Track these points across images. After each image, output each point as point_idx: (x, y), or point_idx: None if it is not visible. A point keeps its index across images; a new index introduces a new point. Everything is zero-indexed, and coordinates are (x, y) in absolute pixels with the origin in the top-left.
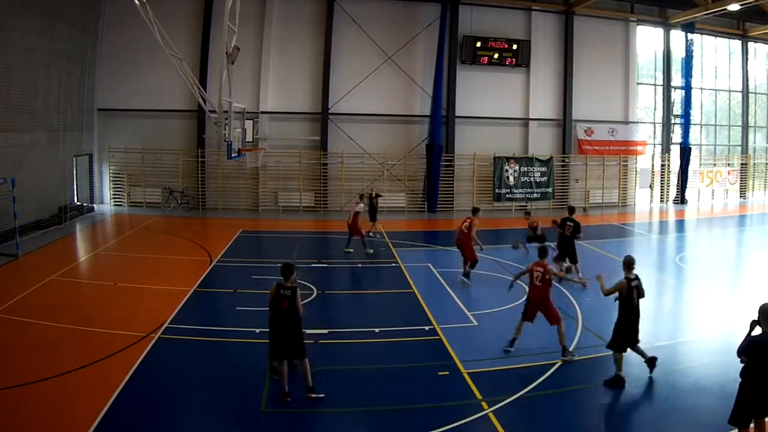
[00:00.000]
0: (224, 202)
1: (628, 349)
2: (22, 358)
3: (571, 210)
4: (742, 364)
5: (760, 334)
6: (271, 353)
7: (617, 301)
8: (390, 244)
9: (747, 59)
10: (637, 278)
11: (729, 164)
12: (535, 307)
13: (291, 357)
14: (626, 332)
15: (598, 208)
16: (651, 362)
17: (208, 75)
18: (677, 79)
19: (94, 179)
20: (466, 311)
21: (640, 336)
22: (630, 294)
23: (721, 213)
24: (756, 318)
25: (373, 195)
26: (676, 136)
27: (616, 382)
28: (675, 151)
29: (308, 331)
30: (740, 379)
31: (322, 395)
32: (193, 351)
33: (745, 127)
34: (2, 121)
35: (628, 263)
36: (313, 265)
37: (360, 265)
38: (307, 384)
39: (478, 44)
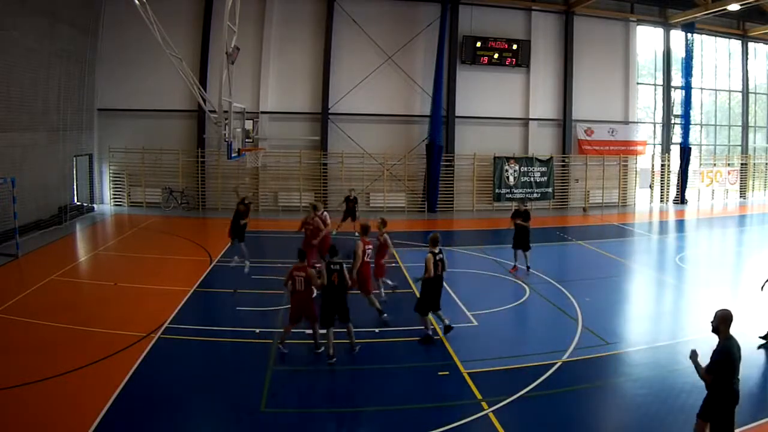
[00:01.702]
0: (224, 202)
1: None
2: (22, 358)
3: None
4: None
5: (719, 344)
6: (321, 321)
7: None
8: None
9: (747, 59)
10: (441, 252)
11: (729, 164)
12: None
13: (340, 320)
14: (430, 299)
15: (598, 208)
16: (447, 329)
17: (208, 75)
18: (677, 79)
19: (94, 179)
20: (466, 311)
21: (641, 336)
22: (435, 266)
23: (721, 213)
24: (713, 327)
25: (351, 197)
26: (676, 136)
27: (427, 340)
28: (675, 151)
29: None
30: (706, 392)
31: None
32: (193, 351)
33: (745, 127)
34: (2, 121)
35: (433, 239)
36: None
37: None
38: (352, 341)
39: (478, 44)
